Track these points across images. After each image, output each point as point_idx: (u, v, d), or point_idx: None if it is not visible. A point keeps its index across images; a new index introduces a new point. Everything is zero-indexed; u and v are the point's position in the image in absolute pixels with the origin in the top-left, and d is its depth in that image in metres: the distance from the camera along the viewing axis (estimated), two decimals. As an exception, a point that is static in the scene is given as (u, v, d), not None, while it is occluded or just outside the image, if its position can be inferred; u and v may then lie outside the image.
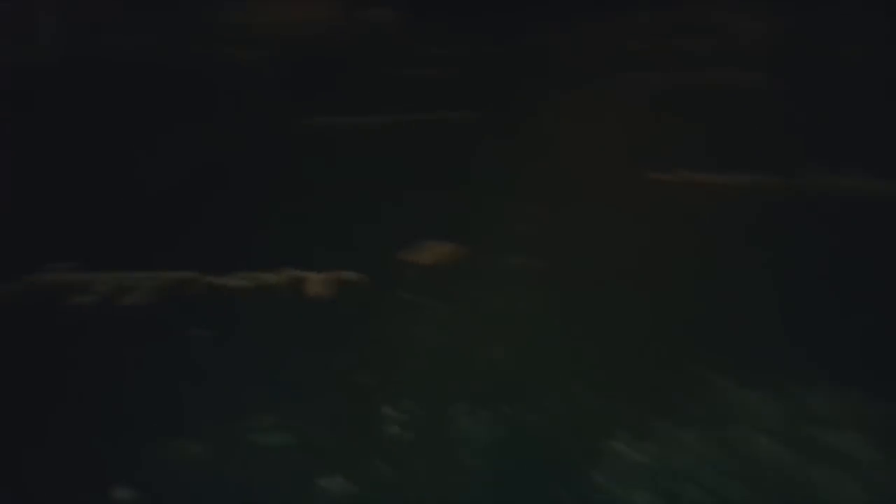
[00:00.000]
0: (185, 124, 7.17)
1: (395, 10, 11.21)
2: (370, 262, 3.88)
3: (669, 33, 10.23)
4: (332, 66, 9.63)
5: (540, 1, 11.66)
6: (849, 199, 4.68)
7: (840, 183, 4.90)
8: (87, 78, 9.10)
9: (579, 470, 2.36)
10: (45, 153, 6.28)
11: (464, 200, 4.79)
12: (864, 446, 2.42)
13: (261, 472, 2.44)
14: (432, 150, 6.10)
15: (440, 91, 8.22)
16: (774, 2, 11.43)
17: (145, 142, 6.52)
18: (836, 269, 3.73)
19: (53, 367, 3.17)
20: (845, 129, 6.05)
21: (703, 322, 3.26)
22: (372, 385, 2.86)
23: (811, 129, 6.07)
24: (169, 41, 11.29)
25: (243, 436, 2.60)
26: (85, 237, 4.57)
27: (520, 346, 3.09)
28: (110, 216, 4.89)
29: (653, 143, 5.85)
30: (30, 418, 2.82)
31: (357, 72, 9.49)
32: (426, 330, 3.21)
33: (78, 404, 2.89)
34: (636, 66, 8.65)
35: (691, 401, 2.69)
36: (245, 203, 4.95)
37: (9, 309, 3.76)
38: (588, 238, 4.16)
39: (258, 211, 4.79)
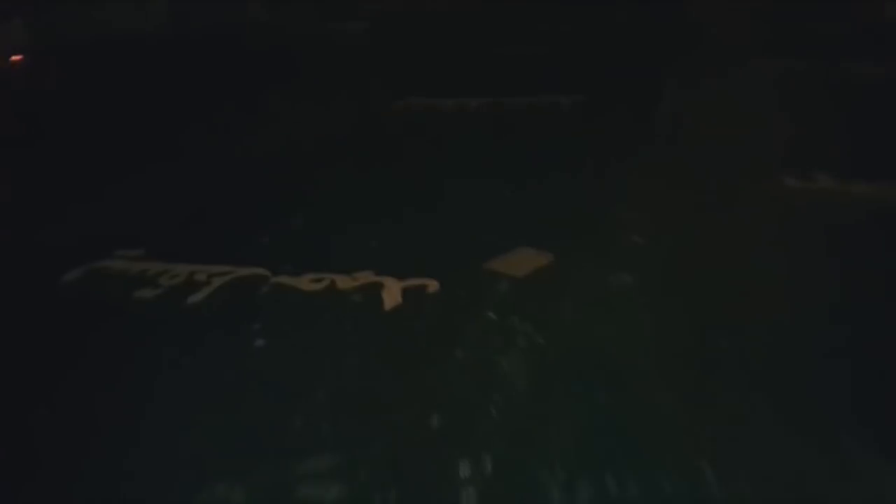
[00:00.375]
0: (279, 103, 6.94)
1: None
2: (455, 269, 3.43)
3: (813, 15, 9.20)
4: (433, 43, 9.21)
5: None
6: None
7: None
8: (186, 52, 9.05)
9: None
10: (131, 133, 6.15)
11: (567, 200, 4.26)
12: None
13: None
14: (536, 140, 5.57)
15: (548, 72, 7.64)
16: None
17: (234, 123, 6.32)
18: None
19: (105, 362, 2.91)
20: None
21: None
22: (442, 425, 2.42)
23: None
24: (271, 14, 11.11)
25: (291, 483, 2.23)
26: (158, 223, 4.35)
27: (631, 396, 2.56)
28: (187, 201, 4.66)
29: (788, 144, 5.10)
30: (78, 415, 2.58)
31: (459, 49, 9.03)
32: (509, 361, 2.73)
33: (126, 402, 2.64)
34: (772, 51, 7.77)
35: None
36: (328, 193, 4.60)
37: (74, 296, 3.55)
38: (709, 253, 3.54)
39: (341, 202, 4.42)
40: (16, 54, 7.34)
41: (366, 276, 3.43)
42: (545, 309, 3.06)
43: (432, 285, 3.31)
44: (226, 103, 6.89)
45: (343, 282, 3.41)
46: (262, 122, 6.38)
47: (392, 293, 3.28)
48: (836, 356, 2.67)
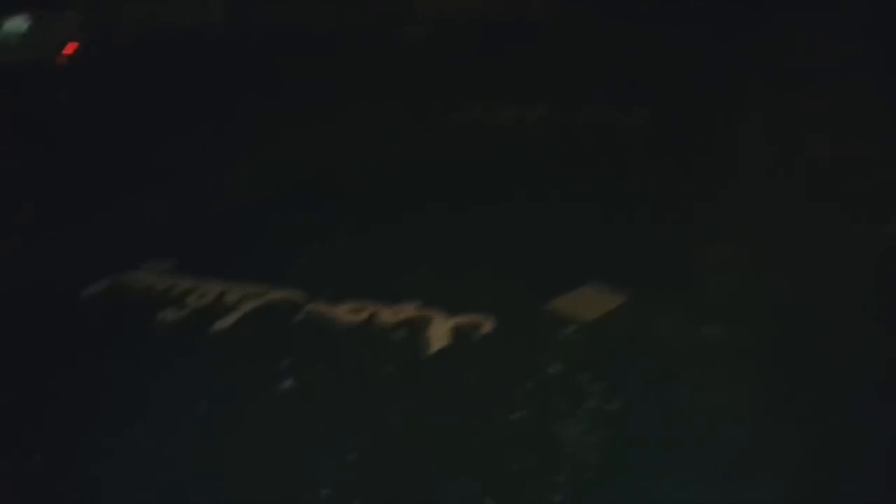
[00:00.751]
0: (327, 109, 6.60)
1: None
2: (513, 305, 3.01)
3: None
4: (495, 51, 8.81)
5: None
6: None
7: None
8: (243, 48, 8.82)
9: None
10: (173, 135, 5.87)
11: (641, 231, 3.77)
12: None
13: None
14: (599, 161, 5.03)
15: (611, 85, 7.13)
16: None
17: (280, 127, 6.00)
18: None
19: (111, 400, 2.58)
20: None
21: None
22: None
23: None
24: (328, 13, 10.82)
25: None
26: (194, 231, 4.04)
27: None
28: (227, 209, 4.34)
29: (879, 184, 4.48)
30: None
31: (521, 57, 8.59)
32: (576, 429, 2.29)
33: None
34: (850, 72, 7.12)
35: None
36: (375, 210, 4.21)
37: (91, 315, 3.25)
38: (805, 303, 3.02)
39: (388, 221, 4.02)
40: (67, 46, 7.18)
41: (411, 309, 3.03)
42: (620, 363, 2.61)
43: (486, 325, 2.90)
44: (272, 105, 6.59)
45: (385, 314, 3.02)
46: (313, 128, 6.06)
47: (439, 331, 2.88)
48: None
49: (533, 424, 2.32)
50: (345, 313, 3.05)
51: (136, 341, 3.01)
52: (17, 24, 7.02)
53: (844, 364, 2.55)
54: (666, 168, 4.76)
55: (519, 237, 3.71)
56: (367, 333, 2.93)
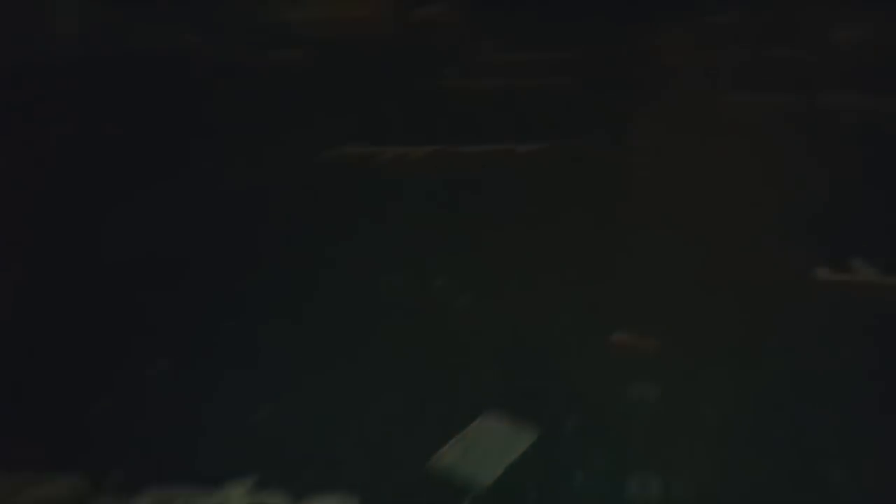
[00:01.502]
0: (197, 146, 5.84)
1: (454, 8, 9.64)
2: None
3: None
4: (377, 76, 8.20)
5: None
6: None
7: None
8: (101, 80, 7.89)
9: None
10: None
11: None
12: None
13: None
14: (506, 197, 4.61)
15: (510, 114, 6.62)
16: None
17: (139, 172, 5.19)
18: None
19: None
20: None
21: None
22: None
23: None
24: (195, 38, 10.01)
25: None
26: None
27: None
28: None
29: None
30: None
31: (408, 83, 8.00)
32: None
33: None
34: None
35: None
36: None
37: None
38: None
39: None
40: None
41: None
42: None
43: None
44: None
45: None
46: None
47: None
48: None
49: None
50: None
51: None
52: None
53: None
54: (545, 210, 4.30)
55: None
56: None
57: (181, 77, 8.35)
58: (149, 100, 7.06)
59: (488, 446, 2.42)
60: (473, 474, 2.31)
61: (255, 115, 7.02)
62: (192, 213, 4.53)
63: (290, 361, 2.96)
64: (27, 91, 6.98)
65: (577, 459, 2.40)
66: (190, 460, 2.41)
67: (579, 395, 2.66)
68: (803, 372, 2.74)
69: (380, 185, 5.28)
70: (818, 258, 3.64)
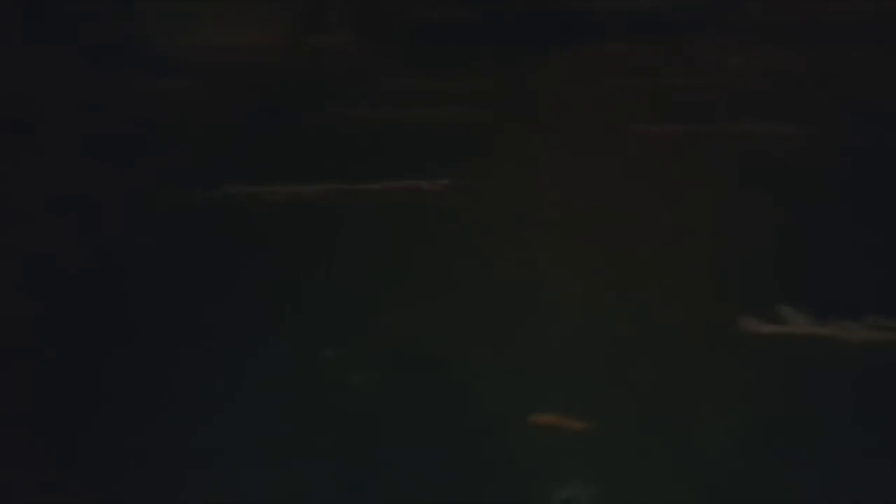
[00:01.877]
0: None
1: (352, 35, 9.23)
2: None
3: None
4: (269, 106, 7.68)
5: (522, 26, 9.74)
6: None
7: None
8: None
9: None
10: None
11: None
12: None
13: None
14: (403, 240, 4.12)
15: (419, 144, 6.15)
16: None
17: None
18: None
19: None
20: None
21: None
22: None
23: None
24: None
25: None
26: None
27: None
28: None
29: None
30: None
31: (302, 114, 7.47)
32: None
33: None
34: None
35: None
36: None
37: None
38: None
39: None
40: None
41: None
42: None
43: None
44: None
45: None
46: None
47: None
48: None
49: None
50: None
51: None
52: None
53: None
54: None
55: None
56: None
57: (60, 108, 7.69)
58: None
59: None
60: None
61: (130, 149, 6.39)
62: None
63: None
64: None
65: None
66: None
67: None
68: (734, 428, 2.35)
69: (266, 228, 4.74)
70: (741, 307, 3.27)
